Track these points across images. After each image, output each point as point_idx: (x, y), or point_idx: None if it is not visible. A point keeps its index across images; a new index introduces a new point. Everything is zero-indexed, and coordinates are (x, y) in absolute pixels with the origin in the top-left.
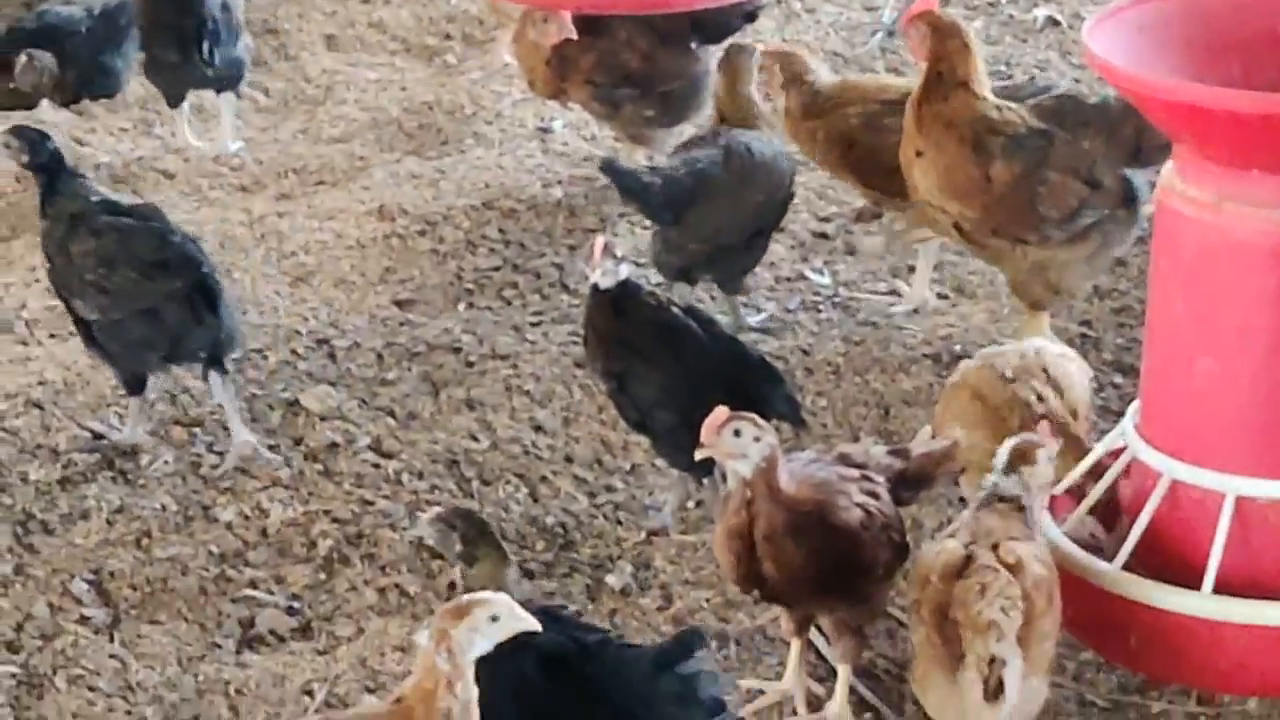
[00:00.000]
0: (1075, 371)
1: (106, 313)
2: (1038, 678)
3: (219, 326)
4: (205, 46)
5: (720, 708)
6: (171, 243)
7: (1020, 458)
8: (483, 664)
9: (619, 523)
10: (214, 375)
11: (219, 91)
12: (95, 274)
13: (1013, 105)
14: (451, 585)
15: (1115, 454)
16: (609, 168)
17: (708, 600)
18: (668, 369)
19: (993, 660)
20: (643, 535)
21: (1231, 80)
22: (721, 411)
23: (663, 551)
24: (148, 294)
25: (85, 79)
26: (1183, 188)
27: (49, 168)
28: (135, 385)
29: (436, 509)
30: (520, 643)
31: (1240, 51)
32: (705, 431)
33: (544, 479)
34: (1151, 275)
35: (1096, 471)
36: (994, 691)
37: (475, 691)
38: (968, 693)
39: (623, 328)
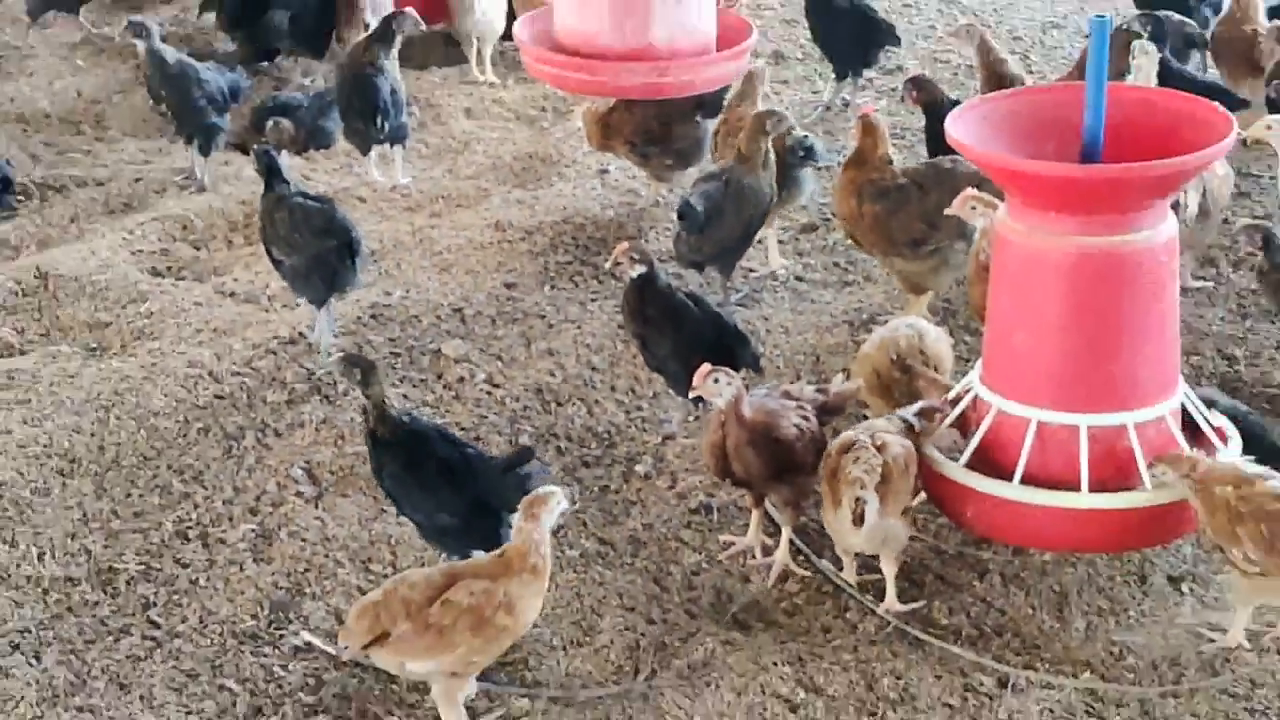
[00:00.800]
0: (944, 349)
1: (289, 257)
2: (895, 519)
3: (355, 271)
4: (379, 121)
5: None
6: (334, 217)
7: (927, 414)
8: (407, 468)
9: (644, 430)
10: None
11: (392, 145)
12: (286, 232)
13: (893, 169)
14: None
15: (966, 391)
16: (683, 203)
17: (700, 483)
18: (672, 334)
19: (857, 500)
20: (660, 439)
21: (1045, 153)
22: (705, 366)
23: (672, 450)
24: (316, 247)
25: (310, 137)
26: (1010, 223)
27: (269, 169)
28: (316, 301)
29: (341, 353)
30: (428, 453)
31: (1052, 131)
32: (695, 379)
33: (596, 402)
34: (991, 279)
35: (955, 401)
36: (858, 520)
37: (549, 547)
38: (842, 521)
39: (643, 305)
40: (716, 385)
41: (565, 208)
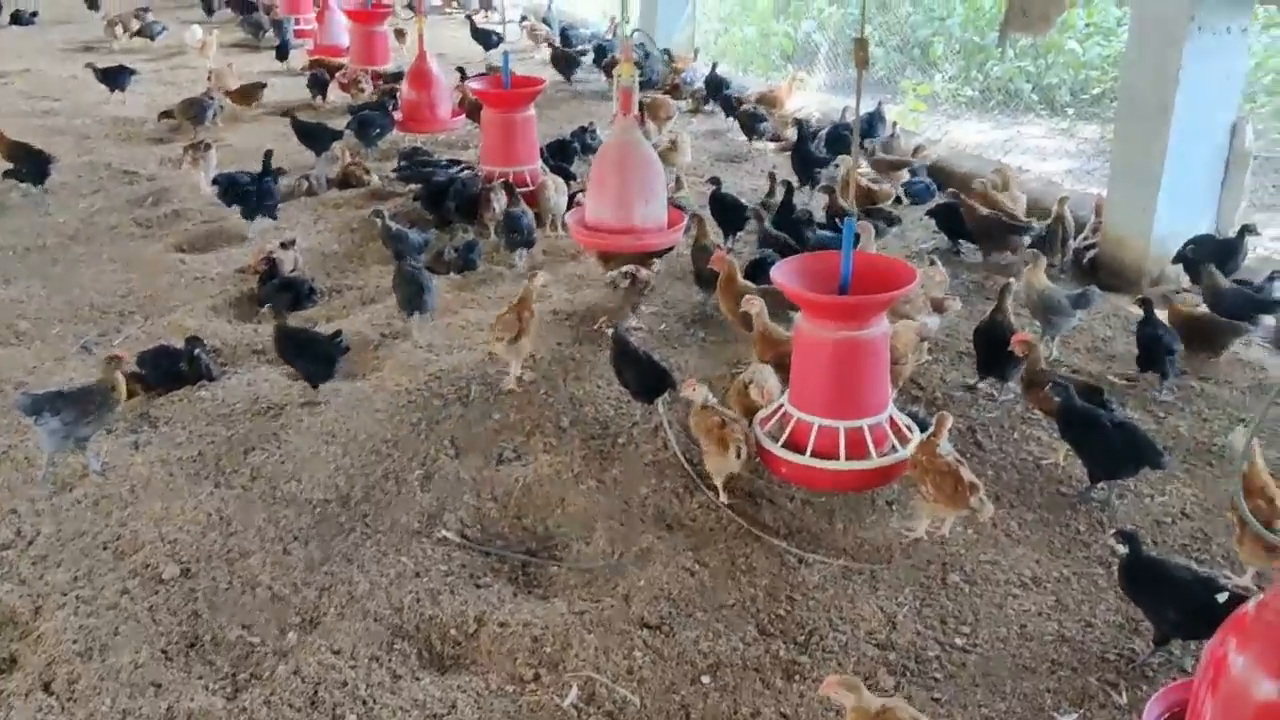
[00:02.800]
0: (774, 383)
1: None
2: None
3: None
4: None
5: None
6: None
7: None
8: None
9: (623, 419)
10: None
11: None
12: None
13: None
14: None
15: (780, 407)
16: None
17: (653, 449)
18: (633, 373)
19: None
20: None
21: (822, 287)
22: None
23: (637, 430)
24: None
25: (464, 264)
26: (805, 324)
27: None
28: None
29: None
30: None
31: (825, 277)
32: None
33: (598, 404)
34: (794, 353)
35: (778, 411)
36: (738, 457)
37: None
38: (729, 459)
39: (620, 356)
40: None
41: (588, 305)
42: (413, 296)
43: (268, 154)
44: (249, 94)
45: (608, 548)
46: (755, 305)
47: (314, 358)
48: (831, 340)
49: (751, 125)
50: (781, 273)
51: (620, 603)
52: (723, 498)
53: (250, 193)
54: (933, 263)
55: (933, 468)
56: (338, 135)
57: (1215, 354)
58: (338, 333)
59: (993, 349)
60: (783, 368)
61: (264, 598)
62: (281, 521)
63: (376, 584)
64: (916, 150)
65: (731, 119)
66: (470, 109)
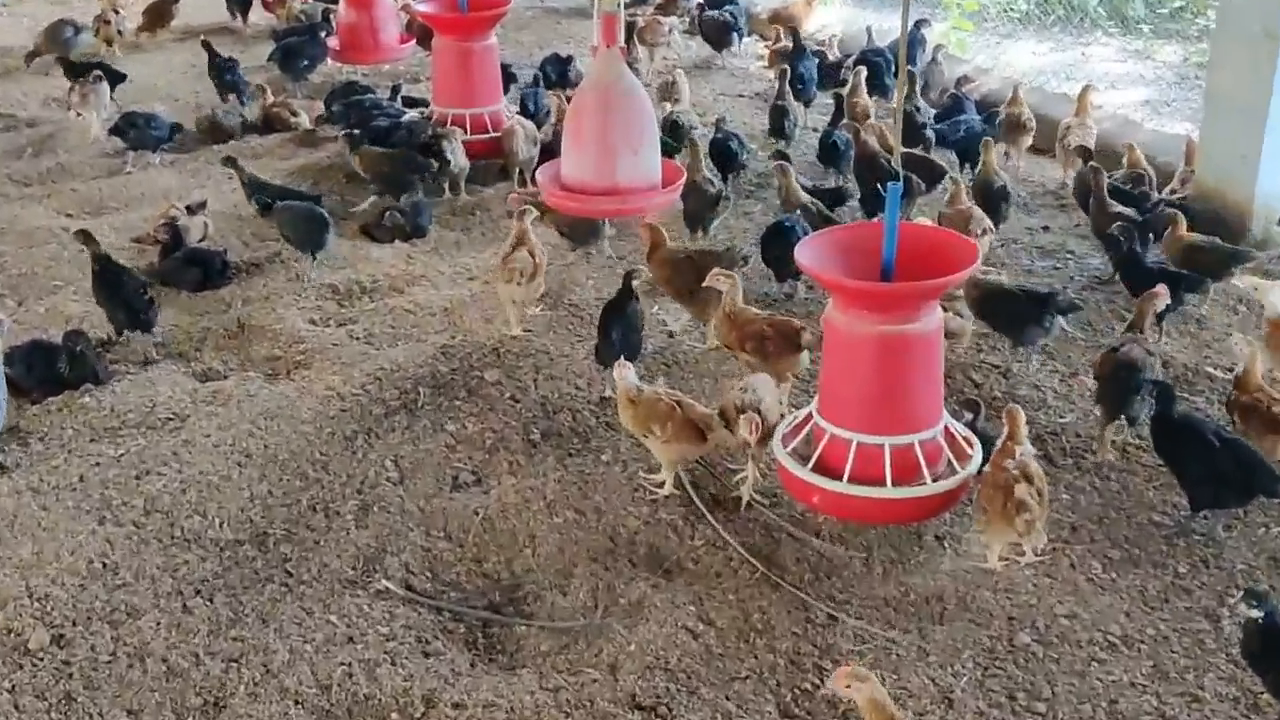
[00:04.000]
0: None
1: None
2: None
3: None
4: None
5: None
6: None
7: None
8: None
9: (609, 431)
10: None
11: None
12: None
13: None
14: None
15: (808, 418)
16: None
17: (641, 469)
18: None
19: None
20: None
21: (858, 270)
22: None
23: (625, 444)
24: None
25: (412, 230)
26: (834, 314)
27: None
28: None
29: None
30: None
31: (863, 253)
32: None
33: (577, 411)
34: (823, 351)
35: (805, 422)
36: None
37: None
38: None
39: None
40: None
41: (565, 279)
42: (311, 234)
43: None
44: (160, 12)
45: (589, 599)
46: (725, 283)
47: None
48: (873, 336)
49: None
50: (808, 251)
51: (605, 675)
52: (665, 490)
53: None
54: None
55: (989, 479)
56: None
57: None
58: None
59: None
60: (759, 355)
61: (157, 672)
62: (181, 569)
63: (298, 652)
64: (961, 81)
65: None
66: (420, 34)
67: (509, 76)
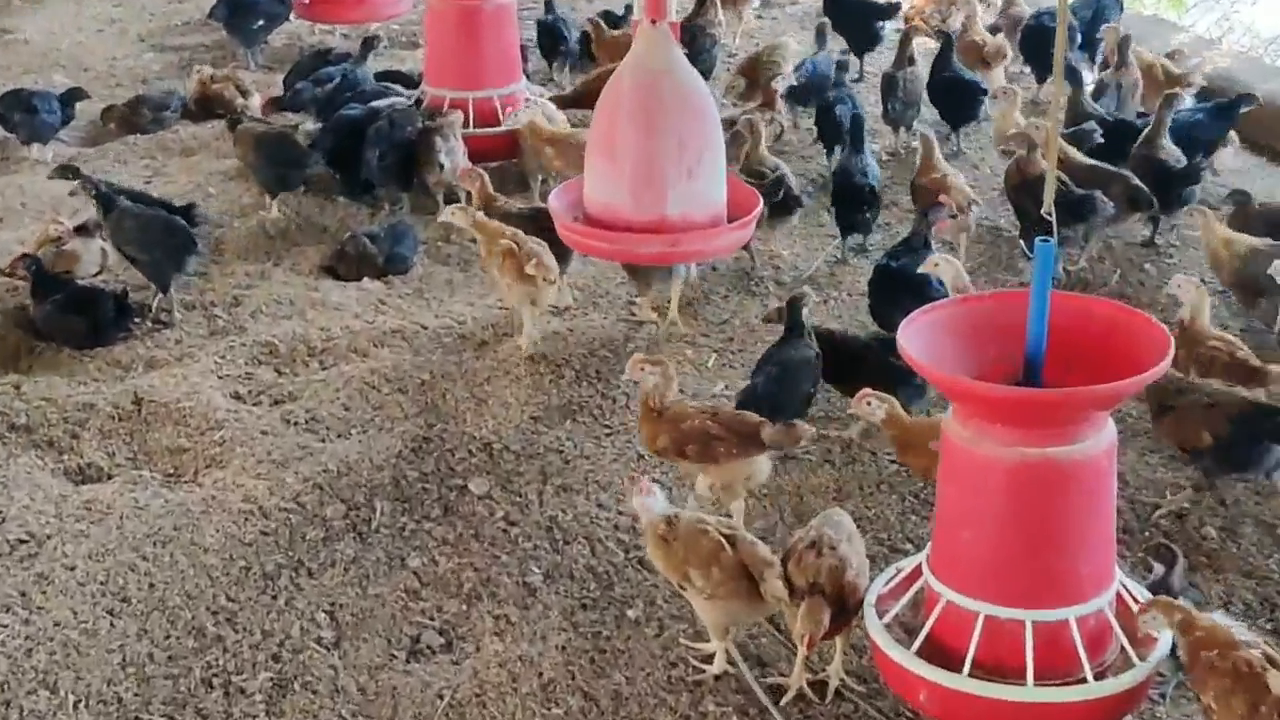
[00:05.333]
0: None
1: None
2: None
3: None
4: None
5: None
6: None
7: None
8: None
9: (639, 571)
10: None
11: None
12: None
13: None
14: None
15: (917, 572)
16: None
17: (684, 630)
18: None
19: None
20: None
21: (988, 358)
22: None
23: (661, 595)
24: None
25: (388, 261)
26: (957, 427)
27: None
28: None
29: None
30: None
31: (994, 337)
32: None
33: (599, 540)
34: (939, 476)
35: (911, 579)
36: None
37: None
38: None
39: None
40: (870, 407)
41: (594, 339)
42: (170, 255)
43: None
44: None
45: None
46: (651, 375)
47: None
48: (1013, 463)
49: None
50: (915, 333)
51: None
52: (715, 667)
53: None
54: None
55: (1212, 665)
56: None
57: None
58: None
59: None
60: (706, 460)
61: None
62: None
63: None
64: (1173, 55)
65: None
66: None
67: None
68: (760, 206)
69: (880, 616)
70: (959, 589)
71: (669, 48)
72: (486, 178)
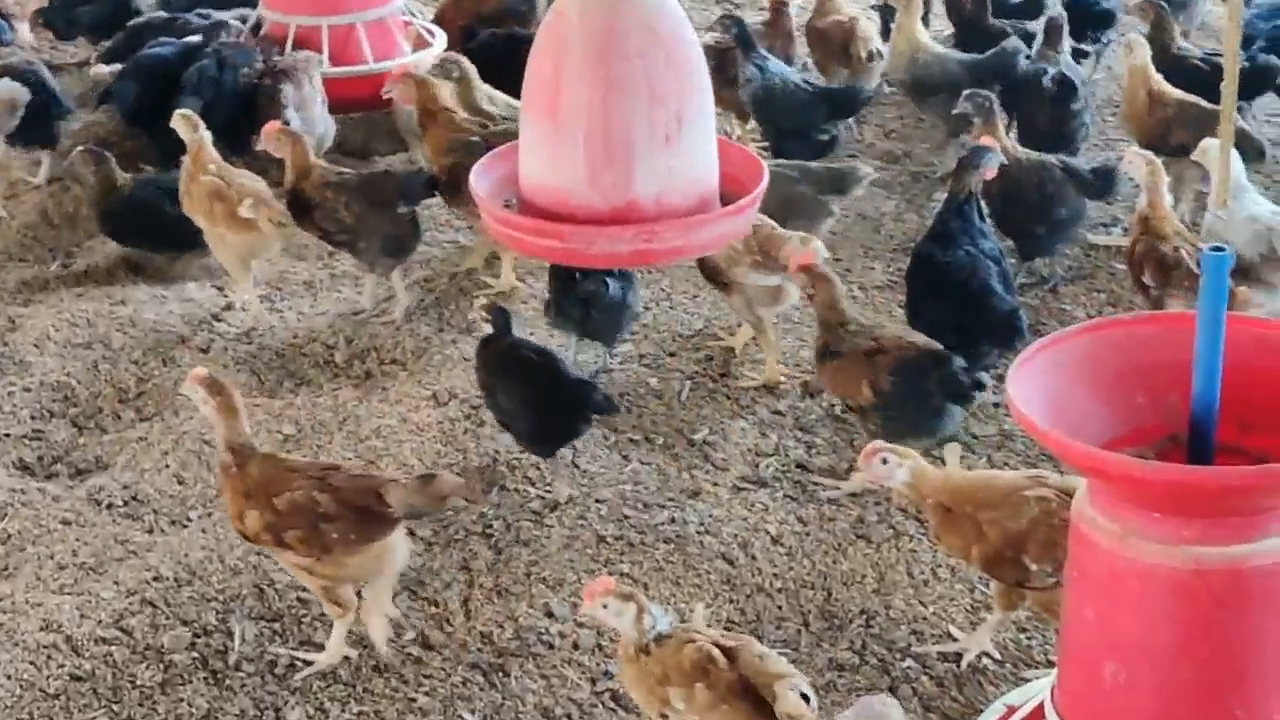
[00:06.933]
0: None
1: None
2: None
3: None
4: None
5: None
6: None
7: None
8: None
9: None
10: None
11: None
12: None
13: None
14: None
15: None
16: None
17: None
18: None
19: None
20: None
21: (1136, 407)
22: (872, 445)
23: None
24: None
25: None
26: (1093, 515)
27: None
28: None
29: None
30: None
31: (1144, 378)
32: (861, 460)
33: (554, 668)
34: (1066, 579)
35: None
36: None
37: None
38: None
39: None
40: (886, 467)
41: None
42: None
43: None
44: None
45: None
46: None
47: None
48: (1180, 571)
49: None
50: (1026, 380)
51: None
52: None
53: None
54: None
55: None
56: None
57: None
58: None
59: None
60: (315, 550)
61: None
62: None
63: None
64: None
65: None
66: None
67: None
68: (765, 180)
69: None
70: None
71: None
72: (306, 140)
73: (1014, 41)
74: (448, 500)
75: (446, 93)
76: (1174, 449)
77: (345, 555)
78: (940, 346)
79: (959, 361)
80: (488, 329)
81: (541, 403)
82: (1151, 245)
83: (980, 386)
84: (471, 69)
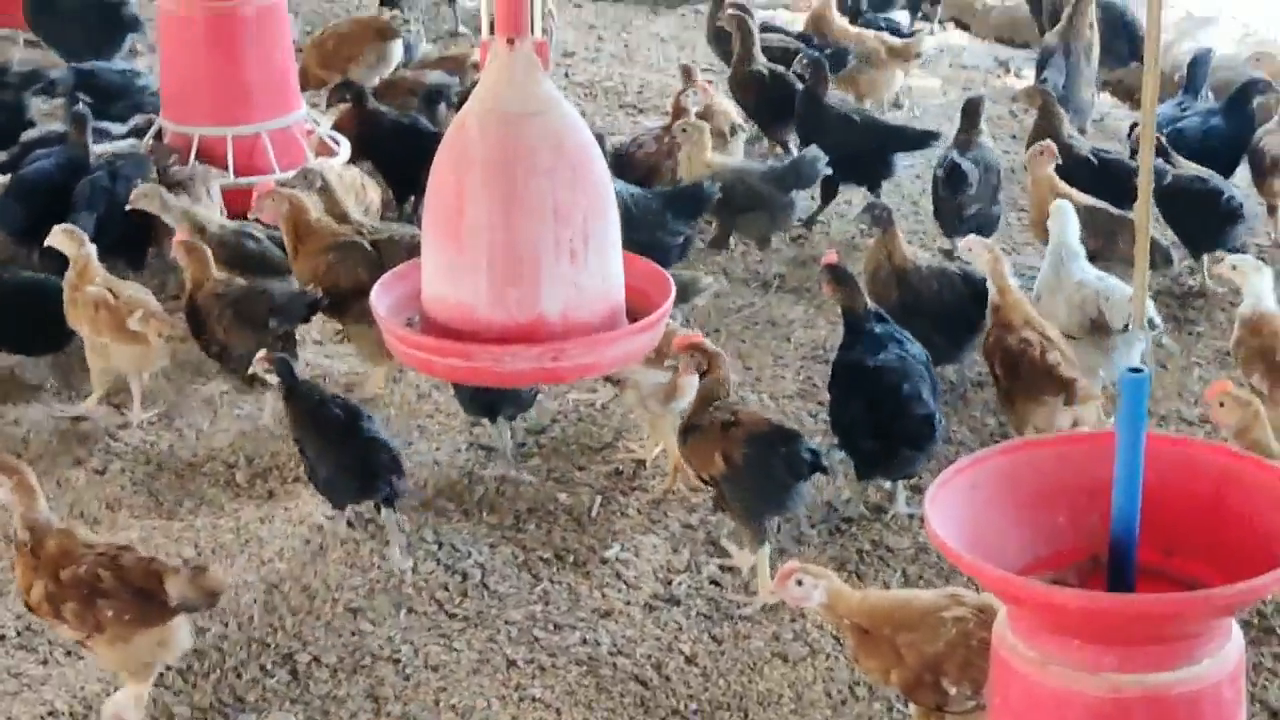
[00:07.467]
0: None
1: None
2: None
3: None
4: None
5: None
6: None
7: None
8: None
9: None
10: None
11: None
12: None
13: None
14: None
15: None
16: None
17: None
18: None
19: None
20: None
21: (1057, 528)
22: (788, 566)
23: None
24: None
25: None
26: (1013, 641)
27: None
28: None
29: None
30: None
31: (1064, 498)
32: (776, 582)
33: None
34: (989, 704)
35: None
36: None
37: None
38: None
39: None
40: (801, 589)
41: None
42: None
43: None
44: None
45: None
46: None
47: None
48: (1098, 698)
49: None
50: (943, 503)
51: None
52: None
53: None
54: None
55: None
56: None
57: None
58: None
59: None
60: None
61: None
62: None
63: None
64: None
65: None
66: None
67: None
68: (673, 294)
69: None
70: None
71: (534, 79)
72: (208, 253)
73: (813, 150)
74: (218, 597)
75: (312, 205)
76: (1096, 571)
77: (120, 636)
78: (792, 426)
79: (807, 443)
80: (273, 380)
81: (339, 457)
82: (999, 337)
83: (821, 469)
84: (334, 178)
